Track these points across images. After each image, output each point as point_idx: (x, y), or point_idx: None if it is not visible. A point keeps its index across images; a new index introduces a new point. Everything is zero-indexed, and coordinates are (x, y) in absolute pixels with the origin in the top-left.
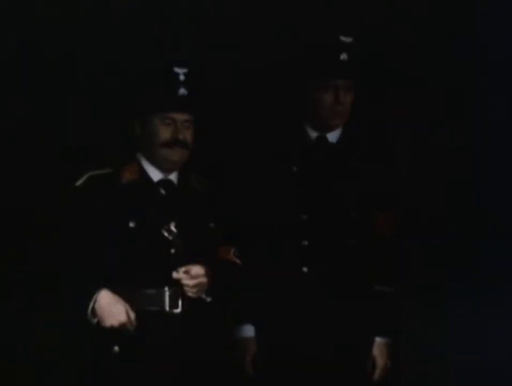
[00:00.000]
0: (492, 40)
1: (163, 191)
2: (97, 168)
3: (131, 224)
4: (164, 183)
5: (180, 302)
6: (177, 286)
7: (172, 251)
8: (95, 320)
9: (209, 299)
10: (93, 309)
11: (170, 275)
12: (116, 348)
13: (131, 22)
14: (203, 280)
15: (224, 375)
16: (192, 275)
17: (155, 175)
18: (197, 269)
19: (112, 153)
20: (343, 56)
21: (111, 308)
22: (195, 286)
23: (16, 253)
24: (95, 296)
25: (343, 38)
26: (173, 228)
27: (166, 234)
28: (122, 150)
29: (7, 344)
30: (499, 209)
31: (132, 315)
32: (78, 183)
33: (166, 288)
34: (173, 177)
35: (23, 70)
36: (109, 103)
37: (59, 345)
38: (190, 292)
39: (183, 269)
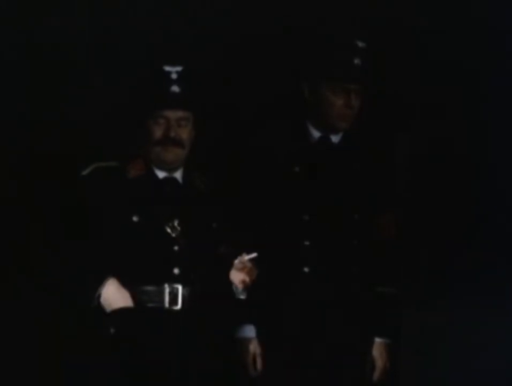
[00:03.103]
0: (494, 41)
1: (167, 189)
2: (103, 160)
3: (134, 219)
4: (169, 180)
5: (180, 299)
6: (177, 282)
7: (175, 248)
8: (99, 304)
9: (242, 294)
10: (99, 296)
11: (171, 272)
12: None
13: (135, 23)
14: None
15: (224, 374)
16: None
17: (160, 172)
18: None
19: (118, 148)
20: (357, 61)
21: (118, 293)
22: (249, 280)
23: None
24: (103, 282)
25: (357, 42)
26: (176, 225)
27: (169, 231)
28: (129, 146)
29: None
30: (500, 210)
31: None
32: (84, 172)
33: (166, 285)
34: (177, 175)
35: (26, 69)
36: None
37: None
38: (243, 283)
39: (252, 255)
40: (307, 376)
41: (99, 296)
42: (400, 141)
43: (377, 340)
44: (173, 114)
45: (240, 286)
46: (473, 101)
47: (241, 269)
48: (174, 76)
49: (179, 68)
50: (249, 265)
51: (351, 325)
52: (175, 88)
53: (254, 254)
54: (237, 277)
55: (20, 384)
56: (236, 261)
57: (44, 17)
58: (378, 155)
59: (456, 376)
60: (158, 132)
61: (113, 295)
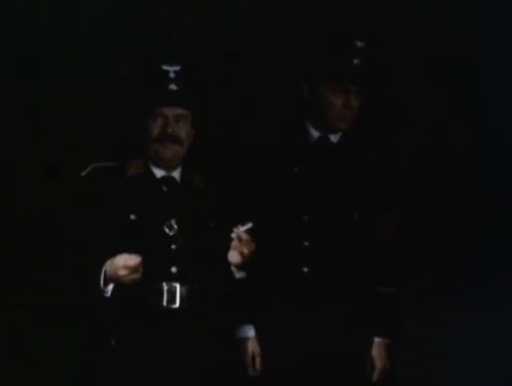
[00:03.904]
0: (494, 41)
1: (165, 188)
2: (102, 160)
3: (132, 217)
4: (167, 179)
5: (178, 298)
6: (175, 281)
7: (173, 247)
8: (109, 288)
9: (241, 274)
10: (105, 276)
11: (169, 270)
12: (113, 341)
13: (136, 20)
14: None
15: (223, 374)
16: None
17: (158, 171)
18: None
19: (119, 147)
20: (356, 61)
21: (115, 260)
22: (247, 254)
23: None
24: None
25: (357, 42)
26: (174, 224)
27: (167, 230)
28: (129, 145)
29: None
30: (500, 211)
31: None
32: (83, 173)
33: (164, 284)
34: (176, 174)
35: (26, 67)
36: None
37: (58, 337)
38: (242, 255)
39: (247, 226)
40: (307, 376)
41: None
42: (400, 141)
43: (377, 340)
44: (170, 112)
45: (238, 259)
46: (473, 101)
47: (237, 242)
48: (172, 75)
49: (177, 68)
50: (244, 236)
51: (351, 325)
52: (173, 86)
53: (249, 225)
54: (234, 252)
55: None
56: (232, 235)
57: (43, 16)
58: (378, 155)
59: (455, 376)
60: (156, 129)
61: (113, 264)
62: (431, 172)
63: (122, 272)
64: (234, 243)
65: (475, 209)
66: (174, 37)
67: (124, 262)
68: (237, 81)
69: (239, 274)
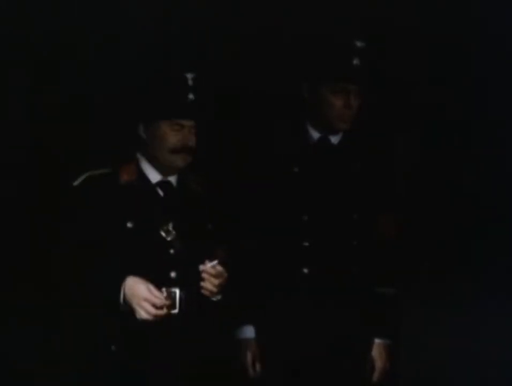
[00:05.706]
0: (496, 43)
1: (161, 192)
2: (95, 168)
3: (129, 225)
4: (163, 184)
5: (177, 303)
6: (175, 286)
7: (171, 251)
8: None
9: (217, 298)
10: (124, 295)
11: (168, 275)
12: (113, 347)
13: (140, 24)
14: (224, 280)
15: (224, 376)
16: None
17: (154, 176)
18: (220, 268)
19: (110, 153)
20: (356, 61)
21: (134, 287)
22: (219, 285)
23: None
24: (124, 282)
25: (356, 42)
26: (171, 228)
27: (164, 235)
28: (121, 151)
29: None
30: (501, 211)
31: (156, 292)
32: (76, 182)
33: (164, 289)
34: (172, 178)
35: (25, 69)
36: (109, 103)
37: (58, 345)
38: (207, 291)
39: (213, 263)
40: (307, 377)
41: (124, 295)
42: (400, 141)
43: (377, 341)
44: (188, 123)
45: (208, 293)
46: (474, 100)
47: (207, 277)
48: (190, 82)
49: (193, 75)
50: (213, 271)
51: (351, 325)
52: (191, 96)
53: (215, 262)
54: (205, 286)
55: None
56: (200, 270)
57: (47, 19)
58: (378, 155)
59: (456, 376)
60: (175, 140)
61: (132, 289)
62: (431, 172)
63: (147, 315)
64: (204, 277)
65: (475, 209)
66: (173, 38)
67: (152, 310)
68: (237, 81)
69: (214, 298)
